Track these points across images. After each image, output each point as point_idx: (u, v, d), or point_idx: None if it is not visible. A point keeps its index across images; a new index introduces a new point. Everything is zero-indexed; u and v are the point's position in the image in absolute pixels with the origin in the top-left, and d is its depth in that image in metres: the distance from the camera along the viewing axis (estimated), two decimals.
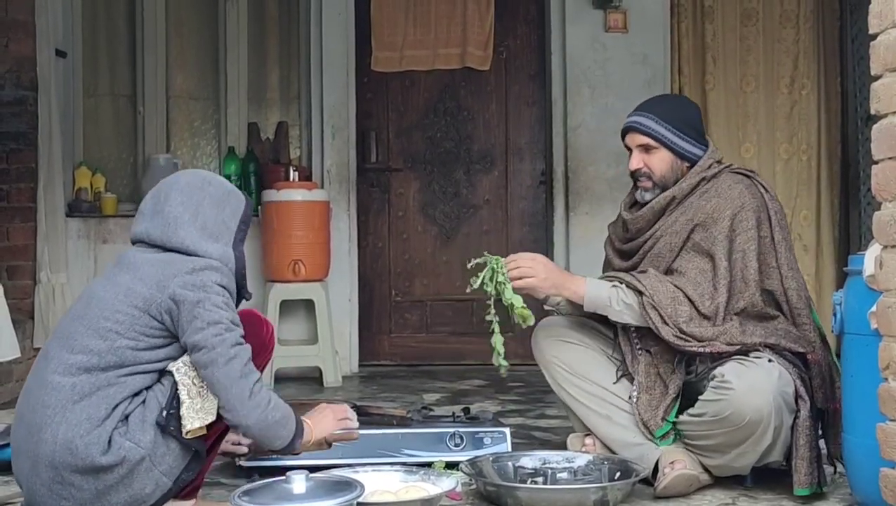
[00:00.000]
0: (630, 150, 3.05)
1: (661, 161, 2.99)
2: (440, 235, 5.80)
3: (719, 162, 3.04)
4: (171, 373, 2.41)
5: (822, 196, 5.62)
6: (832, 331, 2.63)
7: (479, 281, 2.89)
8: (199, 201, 2.52)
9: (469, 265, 2.93)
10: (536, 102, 5.80)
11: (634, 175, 3.04)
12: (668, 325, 2.82)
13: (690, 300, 2.83)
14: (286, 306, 5.18)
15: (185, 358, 2.43)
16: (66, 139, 5.34)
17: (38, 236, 4.98)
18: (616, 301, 2.88)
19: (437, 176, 5.80)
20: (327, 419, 2.61)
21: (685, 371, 2.91)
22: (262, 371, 2.65)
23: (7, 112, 4.92)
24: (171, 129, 5.74)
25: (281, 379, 5.12)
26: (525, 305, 2.87)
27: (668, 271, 2.93)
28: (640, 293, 2.85)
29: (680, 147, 2.99)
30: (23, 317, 4.80)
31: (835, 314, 2.57)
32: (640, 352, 2.96)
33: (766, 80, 5.64)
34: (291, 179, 5.22)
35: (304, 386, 5.07)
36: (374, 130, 5.75)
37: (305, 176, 5.47)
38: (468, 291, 2.94)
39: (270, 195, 5.11)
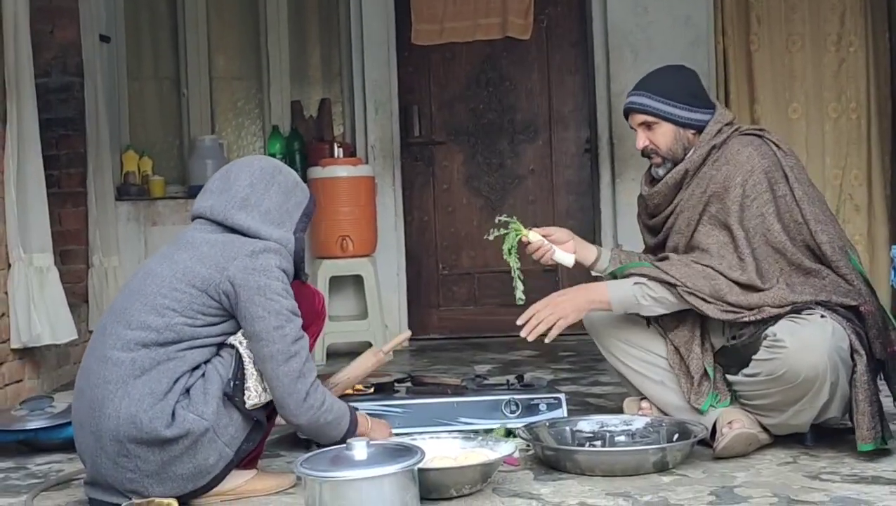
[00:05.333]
0: (634, 131, 3.05)
1: (663, 135, 2.97)
2: (486, 206, 5.79)
3: (730, 124, 2.98)
4: (230, 346, 2.44)
5: (872, 155, 5.53)
6: (891, 284, 2.60)
7: (506, 246, 2.95)
8: (267, 187, 2.56)
9: (491, 235, 2.99)
10: (579, 70, 5.76)
11: (644, 154, 3.04)
12: (711, 302, 2.80)
13: (721, 274, 2.81)
14: (335, 282, 5.21)
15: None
16: (113, 123, 5.40)
17: (90, 221, 5.04)
18: (643, 297, 2.86)
19: (480, 148, 5.78)
20: (382, 430, 2.73)
21: (728, 337, 2.90)
22: (315, 340, 2.69)
23: (55, 98, 4.97)
24: (215, 110, 5.79)
25: (332, 354, 5.15)
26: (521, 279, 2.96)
27: (690, 247, 2.92)
28: (673, 285, 2.82)
29: (679, 117, 2.96)
30: (78, 300, 4.87)
31: (894, 268, 2.55)
32: (664, 340, 2.99)
33: (813, 39, 5.54)
34: (336, 155, 5.24)
35: None
36: (416, 104, 5.74)
37: (350, 152, 5.49)
38: (490, 237, 3.00)
39: (316, 172, 5.14)
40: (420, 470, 2.33)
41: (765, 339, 2.72)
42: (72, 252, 5.03)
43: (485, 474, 2.53)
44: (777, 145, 2.91)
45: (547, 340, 2.91)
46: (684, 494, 2.46)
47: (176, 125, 5.78)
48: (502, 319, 5.77)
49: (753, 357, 2.75)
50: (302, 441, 3.03)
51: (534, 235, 3.00)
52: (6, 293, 3.96)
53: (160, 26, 5.75)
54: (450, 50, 5.72)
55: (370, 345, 5.12)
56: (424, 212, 5.80)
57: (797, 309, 2.75)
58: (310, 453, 2.38)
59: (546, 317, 2.90)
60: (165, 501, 2.39)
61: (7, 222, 3.95)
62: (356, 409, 2.64)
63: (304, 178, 5.26)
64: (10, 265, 3.96)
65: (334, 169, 5.10)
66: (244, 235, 2.51)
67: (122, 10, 5.66)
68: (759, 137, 2.94)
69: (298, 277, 2.59)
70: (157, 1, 5.74)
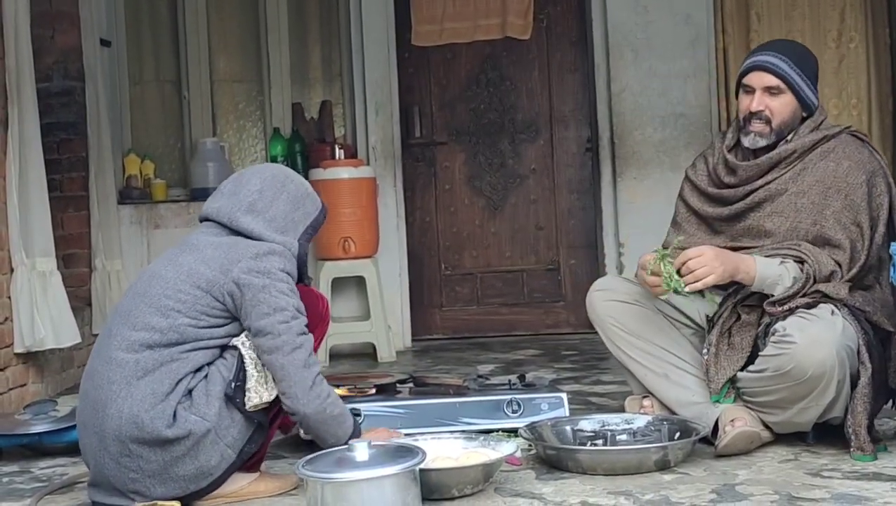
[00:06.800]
0: (747, 90, 2.93)
1: (784, 106, 2.88)
2: (487, 206, 5.80)
3: (826, 118, 2.96)
4: (234, 347, 2.46)
5: None
6: (891, 281, 2.60)
7: (670, 282, 2.77)
8: (276, 195, 2.58)
9: (650, 269, 2.81)
10: (579, 69, 5.76)
11: (750, 117, 2.91)
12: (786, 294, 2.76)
13: (842, 276, 2.78)
14: (338, 284, 5.22)
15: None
16: (115, 127, 5.41)
17: (92, 224, 5.04)
18: (788, 278, 2.76)
19: (482, 147, 5.79)
20: (382, 434, 2.69)
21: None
22: (319, 343, 2.70)
23: (56, 103, 4.97)
24: (216, 113, 5.79)
25: (335, 356, 5.16)
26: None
27: (813, 237, 2.83)
28: (803, 261, 2.77)
29: (805, 93, 2.90)
30: (81, 304, 4.87)
31: (893, 265, 2.55)
32: (724, 311, 2.91)
33: (813, 35, 5.54)
34: (337, 157, 5.25)
35: (359, 362, 5.11)
36: (417, 105, 5.75)
37: (351, 154, 5.49)
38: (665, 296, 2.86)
39: (317, 174, 5.14)
40: (422, 470, 2.34)
41: (773, 334, 2.71)
42: (74, 256, 5.04)
43: (486, 474, 2.53)
44: (881, 154, 2.91)
45: (688, 290, 2.75)
46: (686, 492, 2.46)
47: (177, 128, 5.78)
48: (505, 318, 5.79)
49: (760, 353, 2.75)
50: (305, 443, 3.03)
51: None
52: (9, 298, 3.96)
53: (161, 30, 5.76)
54: (450, 50, 5.72)
55: (373, 347, 5.14)
56: (426, 212, 5.80)
57: (809, 304, 2.73)
58: (311, 455, 2.39)
59: (699, 269, 2.73)
60: (168, 503, 2.41)
61: (9, 227, 3.95)
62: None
63: (306, 179, 5.26)
64: (12, 270, 3.97)
65: (336, 170, 5.10)
66: (249, 238, 2.53)
67: (123, 15, 5.66)
68: (864, 141, 2.92)
69: (301, 281, 2.61)
70: (157, 5, 5.75)
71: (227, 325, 2.48)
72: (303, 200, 2.63)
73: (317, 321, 2.65)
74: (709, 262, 2.72)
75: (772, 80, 2.88)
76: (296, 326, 2.43)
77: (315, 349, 2.67)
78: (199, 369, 2.44)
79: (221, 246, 2.50)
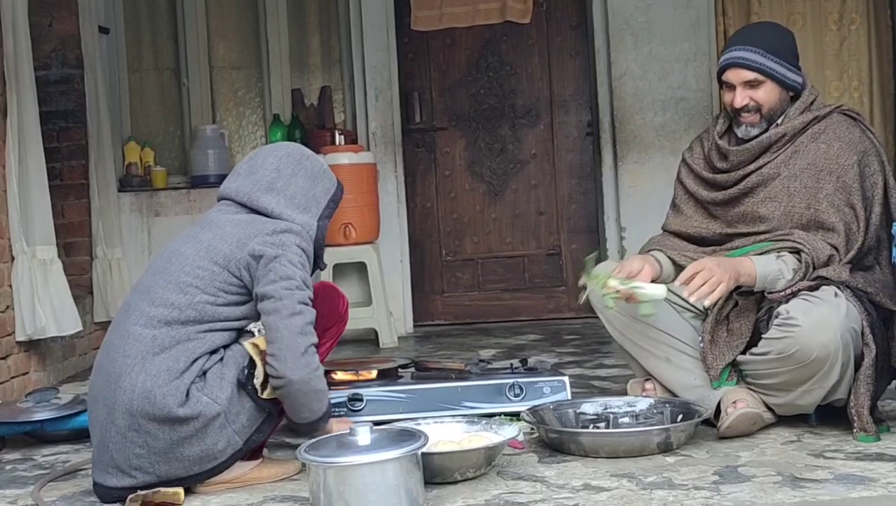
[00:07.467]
0: (728, 86, 2.93)
1: (768, 94, 2.88)
2: (488, 192, 5.79)
3: (818, 97, 2.95)
4: (250, 333, 2.47)
5: None
6: (892, 261, 2.60)
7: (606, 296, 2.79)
8: (294, 172, 2.59)
9: (582, 297, 2.82)
10: (579, 53, 5.74)
11: (738, 111, 2.91)
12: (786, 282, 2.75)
13: (840, 259, 2.77)
14: (339, 270, 5.21)
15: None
16: (114, 115, 5.40)
17: (93, 212, 5.04)
18: (787, 271, 2.76)
19: (482, 133, 5.77)
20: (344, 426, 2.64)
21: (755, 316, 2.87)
22: (335, 342, 2.71)
23: (55, 91, 4.97)
24: (215, 99, 5.78)
25: (338, 342, 5.15)
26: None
27: (807, 220, 2.82)
28: (800, 251, 2.76)
29: (787, 77, 2.89)
30: (82, 292, 4.87)
31: (893, 246, 2.55)
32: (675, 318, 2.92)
33: (814, 17, 5.53)
34: (337, 143, 5.23)
35: (361, 348, 5.10)
36: (417, 90, 5.73)
37: (351, 139, 5.48)
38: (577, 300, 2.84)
39: None
40: (424, 454, 2.34)
41: (776, 317, 2.70)
42: (75, 244, 5.04)
43: (489, 458, 2.53)
44: (874, 133, 2.90)
45: (707, 303, 2.74)
46: (688, 474, 2.46)
47: (177, 115, 5.78)
48: (506, 304, 5.79)
49: (764, 336, 2.74)
50: None
51: (614, 282, 2.80)
52: (10, 286, 3.96)
53: (159, 17, 5.75)
54: (450, 35, 5.70)
55: (375, 332, 5.14)
56: (427, 198, 5.79)
57: (811, 287, 2.71)
58: (314, 439, 2.39)
59: (710, 279, 2.70)
60: (171, 490, 2.41)
61: (10, 215, 3.95)
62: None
63: None
64: (13, 258, 3.97)
65: (336, 156, 5.08)
66: (269, 217, 2.54)
67: (121, 2, 5.65)
68: (857, 120, 2.91)
69: (317, 265, 2.61)
70: None
71: (244, 304, 2.48)
72: (321, 176, 2.64)
73: (334, 320, 2.67)
74: (715, 272, 2.71)
75: (748, 75, 2.88)
76: (299, 294, 2.43)
77: (330, 348, 2.68)
78: (215, 351, 2.45)
79: (240, 223, 2.51)
